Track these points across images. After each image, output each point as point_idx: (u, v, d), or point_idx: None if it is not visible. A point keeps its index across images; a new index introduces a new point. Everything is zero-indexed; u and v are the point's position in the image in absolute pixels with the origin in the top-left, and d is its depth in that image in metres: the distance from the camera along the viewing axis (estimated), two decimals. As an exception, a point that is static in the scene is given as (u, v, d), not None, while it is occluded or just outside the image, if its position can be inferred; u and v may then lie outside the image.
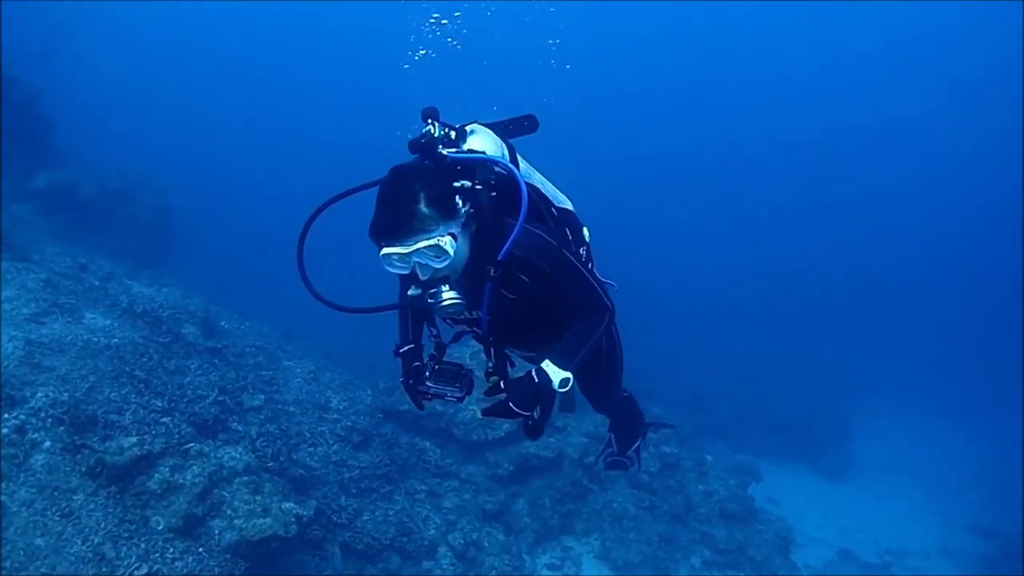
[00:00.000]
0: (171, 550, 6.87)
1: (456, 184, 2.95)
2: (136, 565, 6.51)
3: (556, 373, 3.08)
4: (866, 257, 40.06)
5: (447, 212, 2.87)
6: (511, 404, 3.07)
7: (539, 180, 3.72)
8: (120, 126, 29.88)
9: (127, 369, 8.76)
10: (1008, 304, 32.90)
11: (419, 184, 2.86)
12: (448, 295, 2.89)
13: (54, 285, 10.13)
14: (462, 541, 10.26)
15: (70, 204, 15.95)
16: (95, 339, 9.10)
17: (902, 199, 46.47)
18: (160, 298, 11.65)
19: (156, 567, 6.61)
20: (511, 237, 2.88)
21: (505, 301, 3.16)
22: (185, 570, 6.74)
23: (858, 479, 19.82)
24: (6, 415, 7.26)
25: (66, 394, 7.72)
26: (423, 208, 2.81)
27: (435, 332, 3.44)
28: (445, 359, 3.37)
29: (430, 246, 2.79)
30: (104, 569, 6.36)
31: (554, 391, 3.09)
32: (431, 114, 3.33)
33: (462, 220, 2.94)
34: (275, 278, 19.32)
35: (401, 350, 3.52)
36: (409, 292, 3.16)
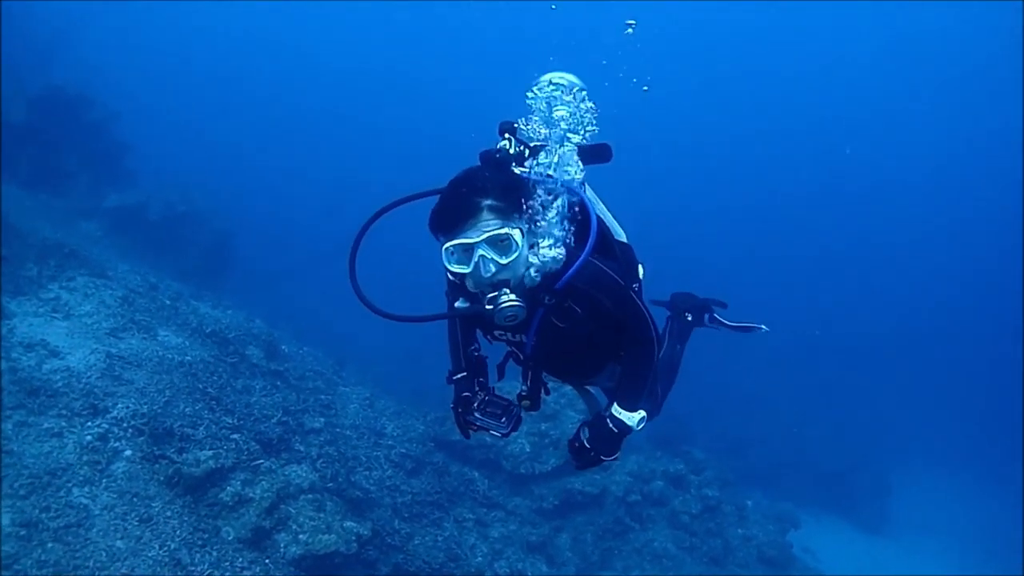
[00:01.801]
0: (240, 560, 7.24)
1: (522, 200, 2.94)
2: (208, 571, 6.88)
3: (630, 417, 3.24)
4: (906, 308, 39.75)
5: (515, 209, 2.88)
6: (602, 456, 3.27)
7: (601, 210, 3.70)
8: (174, 147, 30.68)
9: (200, 386, 9.19)
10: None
11: (490, 178, 2.88)
12: (509, 298, 2.82)
13: (130, 302, 10.59)
14: (508, 570, 10.55)
15: (137, 224, 16.55)
16: (169, 356, 9.54)
17: (940, 242, 45.98)
18: (225, 320, 12.11)
19: (227, 574, 6.97)
20: (574, 268, 2.91)
21: (553, 329, 3.16)
22: (253, 579, 7.10)
23: (893, 534, 19.79)
24: (89, 423, 7.70)
25: (145, 406, 8.15)
26: (492, 200, 2.82)
27: (476, 347, 3.50)
28: (497, 393, 3.41)
29: (499, 235, 2.79)
30: (180, 573, 6.72)
31: (633, 431, 3.26)
32: (508, 129, 3.34)
33: (526, 225, 2.94)
34: (326, 306, 19.86)
35: (455, 377, 3.52)
36: (457, 304, 3.13)
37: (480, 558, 10.52)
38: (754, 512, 14.60)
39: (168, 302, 11.73)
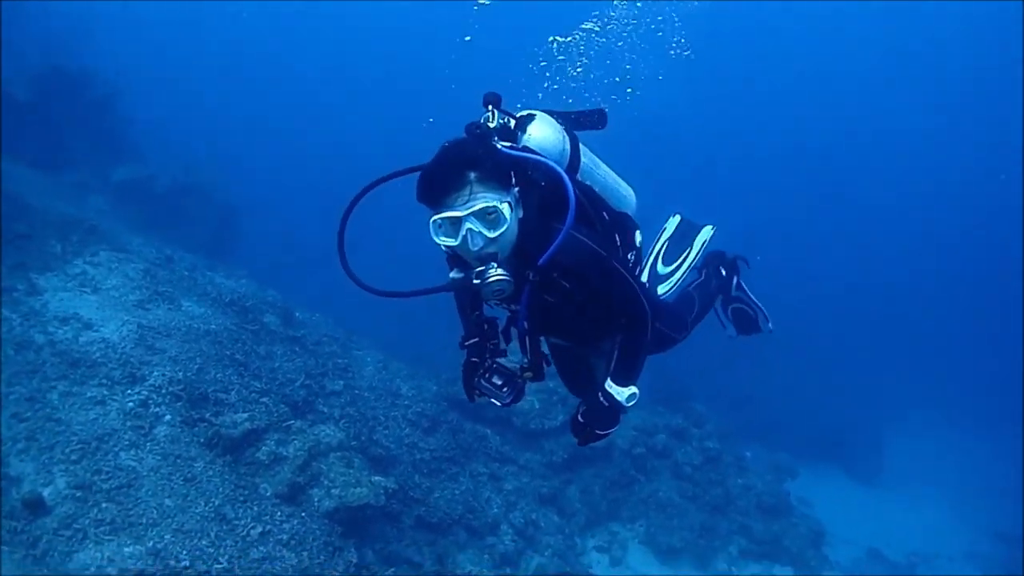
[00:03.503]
0: (279, 514, 7.72)
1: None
2: (252, 525, 7.36)
3: (621, 392, 3.29)
4: (901, 267, 40.08)
5: (503, 182, 2.83)
6: (597, 431, 3.35)
7: (603, 173, 3.70)
8: (180, 121, 30.79)
9: (227, 353, 9.63)
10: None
11: (478, 150, 2.84)
12: (496, 273, 2.77)
13: (152, 275, 10.96)
14: (522, 520, 11.12)
15: (145, 197, 16.87)
16: (195, 325, 9.96)
17: (935, 207, 46.30)
18: (241, 289, 12.51)
19: (268, 527, 7.46)
20: (555, 243, 2.82)
21: (544, 303, 3.15)
22: (292, 531, 7.58)
23: (888, 485, 20.17)
24: (129, 391, 8.15)
25: (180, 373, 8.60)
26: (481, 172, 2.77)
27: (477, 313, 3.39)
28: (505, 362, 3.36)
29: (488, 208, 2.74)
30: (225, 527, 7.21)
31: (625, 408, 3.32)
32: (492, 100, 3.31)
33: (515, 199, 2.91)
34: (332, 277, 20.17)
35: (466, 343, 3.44)
36: (451, 275, 3.03)
37: (496, 509, 11.07)
38: (753, 463, 15.16)
39: (187, 273, 12.12)
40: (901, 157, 47.39)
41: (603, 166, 3.71)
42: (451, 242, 2.83)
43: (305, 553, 7.45)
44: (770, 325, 5.09)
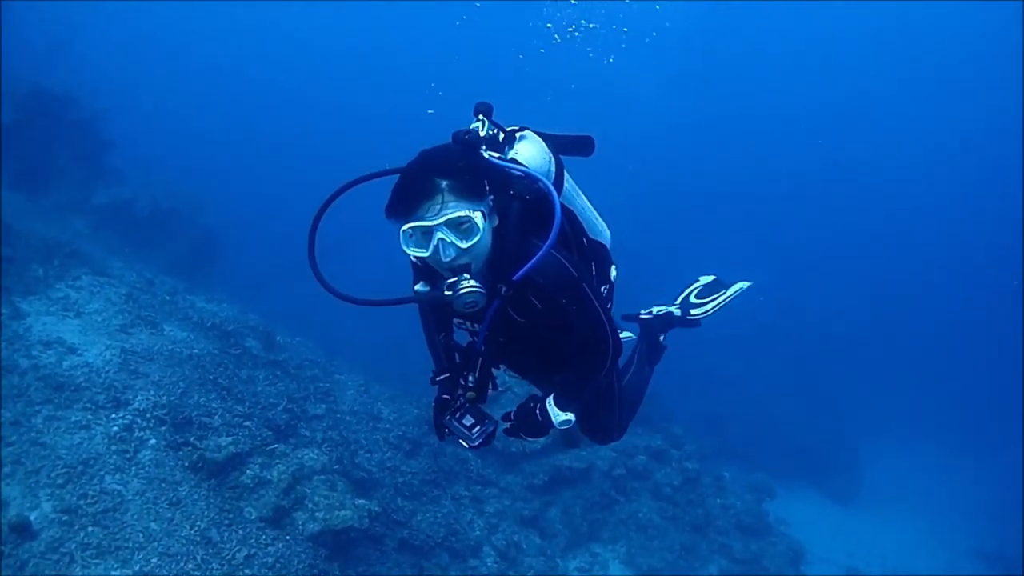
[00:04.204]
0: (263, 537, 7.77)
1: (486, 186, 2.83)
2: (237, 548, 7.41)
3: (558, 414, 3.23)
4: (878, 286, 40.12)
5: (476, 191, 2.75)
6: (521, 433, 3.38)
7: (581, 205, 3.60)
8: (160, 143, 30.76)
9: (210, 377, 9.68)
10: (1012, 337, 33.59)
11: (451, 159, 2.76)
12: (468, 284, 2.68)
13: (134, 299, 10.99)
14: (504, 542, 11.19)
15: (125, 220, 16.86)
16: (178, 350, 10.00)
17: (919, 226, 46.24)
18: (222, 313, 12.57)
19: (253, 551, 7.51)
20: (534, 260, 2.73)
21: (511, 323, 3.06)
22: (277, 554, 7.64)
23: (866, 504, 20.27)
24: (114, 415, 8.19)
25: (164, 398, 8.65)
26: (455, 180, 2.69)
27: (444, 336, 3.31)
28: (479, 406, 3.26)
29: (459, 218, 2.66)
30: (211, 551, 7.26)
31: (553, 428, 3.27)
32: (483, 110, 3.23)
33: (489, 209, 2.82)
34: (311, 299, 20.17)
35: (438, 378, 3.33)
36: (416, 288, 2.92)
37: (478, 532, 11.13)
38: (732, 483, 15.30)
39: (168, 297, 12.16)
40: (879, 174, 47.60)
41: (583, 196, 3.64)
42: (422, 253, 2.74)
43: (290, 576, 7.50)
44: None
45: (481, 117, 3.21)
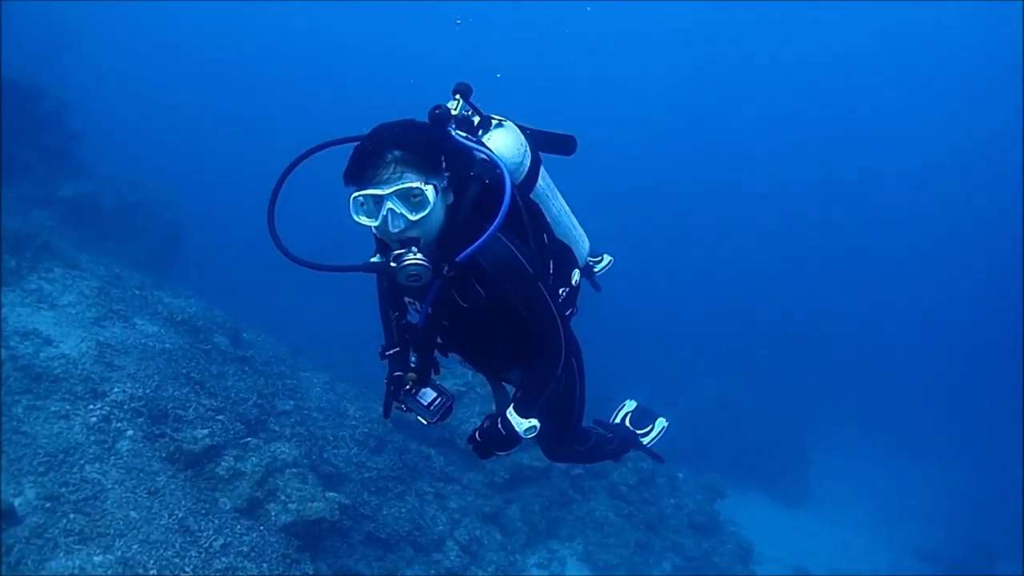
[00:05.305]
0: (239, 527, 8.01)
1: (442, 160, 2.79)
2: (214, 537, 7.65)
3: (521, 423, 3.20)
4: (829, 288, 40.13)
5: (431, 165, 2.73)
6: (494, 450, 3.39)
7: (557, 207, 3.53)
8: (122, 134, 30.59)
9: (183, 371, 9.88)
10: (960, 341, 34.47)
11: (408, 131, 2.75)
12: (414, 257, 2.65)
13: (106, 293, 11.12)
14: (466, 537, 11.51)
15: (91, 214, 16.88)
16: (150, 343, 10.18)
17: (876, 223, 46.33)
18: (190, 309, 12.71)
19: (229, 539, 7.75)
20: (478, 243, 2.71)
21: (455, 307, 3.03)
22: (252, 543, 7.88)
23: (814, 505, 20.76)
24: (92, 406, 8.38)
25: (140, 390, 8.85)
26: (409, 151, 2.67)
27: (397, 315, 3.27)
28: (435, 378, 3.34)
29: (410, 189, 2.64)
30: (189, 539, 7.48)
31: (521, 438, 3.26)
32: (462, 91, 3.24)
33: (443, 184, 2.80)
34: (276, 295, 20.36)
35: (387, 352, 3.33)
36: (372, 259, 2.93)
37: (441, 527, 11.44)
38: (685, 483, 15.75)
39: (136, 291, 12.27)
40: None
41: (561, 199, 3.57)
42: (371, 222, 2.74)
43: (265, 564, 7.75)
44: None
45: (458, 97, 3.22)
